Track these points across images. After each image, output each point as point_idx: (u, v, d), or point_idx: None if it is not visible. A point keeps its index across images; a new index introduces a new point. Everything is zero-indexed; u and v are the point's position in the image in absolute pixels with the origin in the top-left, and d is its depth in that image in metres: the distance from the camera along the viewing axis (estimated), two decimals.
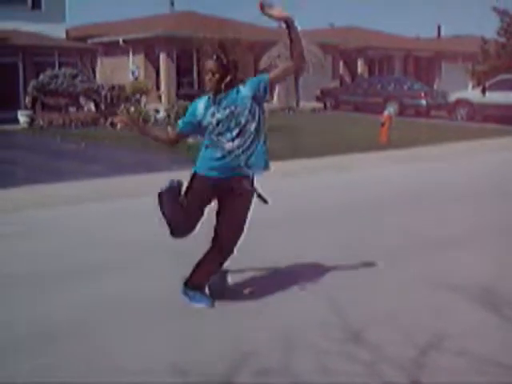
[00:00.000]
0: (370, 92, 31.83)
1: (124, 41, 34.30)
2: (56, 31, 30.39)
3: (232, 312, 5.57)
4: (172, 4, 42.83)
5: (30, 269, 6.73)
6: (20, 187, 10.97)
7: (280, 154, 14.58)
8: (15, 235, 8.17)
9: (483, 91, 26.68)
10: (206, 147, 5.46)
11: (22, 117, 22.78)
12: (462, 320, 5.39)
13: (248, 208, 5.50)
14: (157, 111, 24.52)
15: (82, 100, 25.38)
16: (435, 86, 42.28)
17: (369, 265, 6.92)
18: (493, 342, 4.93)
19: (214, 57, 5.24)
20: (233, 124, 5.28)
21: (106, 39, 34.70)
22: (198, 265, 5.61)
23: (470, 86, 36.63)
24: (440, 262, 7.09)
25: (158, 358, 4.61)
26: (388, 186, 12.05)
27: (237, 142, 5.30)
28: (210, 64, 5.25)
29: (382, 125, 18.29)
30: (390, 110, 27.45)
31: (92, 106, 25.49)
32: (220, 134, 5.33)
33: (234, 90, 5.31)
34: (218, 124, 5.31)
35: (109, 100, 25.28)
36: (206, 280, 5.68)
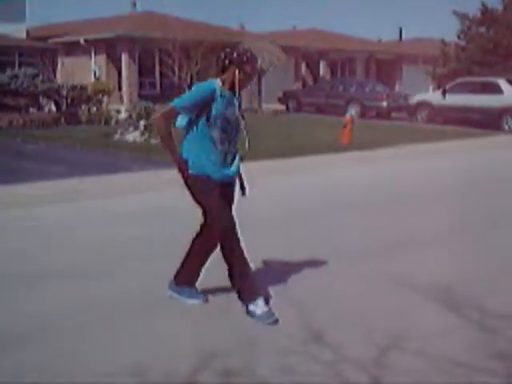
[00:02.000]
0: (332, 94, 32.00)
1: (85, 40, 34.06)
2: (16, 31, 30.11)
3: (197, 311, 5.56)
4: (134, 5, 42.61)
5: None
6: None
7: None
8: None
9: (443, 94, 26.99)
10: (201, 142, 5.26)
11: None
12: (422, 320, 5.45)
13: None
14: (118, 112, 24.35)
15: (42, 100, 25.11)
16: (396, 88, 42.66)
17: (330, 266, 6.95)
18: (453, 341, 4.98)
19: (255, 61, 5.28)
20: (236, 124, 5.37)
21: (67, 39, 34.42)
22: (187, 261, 5.63)
23: (431, 88, 37.04)
24: (402, 262, 7.15)
25: (121, 359, 4.58)
26: (350, 186, 12.13)
27: (234, 145, 5.42)
28: (253, 69, 5.30)
29: (344, 126, 18.41)
30: (352, 111, 27.65)
31: (53, 107, 25.24)
32: (228, 132, 5.31)
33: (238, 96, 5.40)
34: (232, 121, 5.31)
35: (70, 100, 25.06)
36: (198, 275, 5.69)
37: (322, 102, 32.28)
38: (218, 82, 5.26)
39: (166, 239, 7.67)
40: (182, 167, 5.27)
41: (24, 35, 31.83)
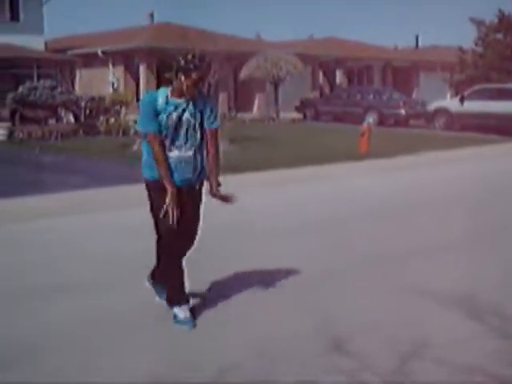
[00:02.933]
0: (350, 102, 31.94)
1: (103, 52, 34.26)
2: (35, 43, 30.33)
3: (214, 323, 5.57)
4: (151, 16, 42.81)
5: (8, 283, 6.68)
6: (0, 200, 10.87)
7: (258, 165, 14.63)
8: None
9: (461, 100, 26.88)
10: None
11: (1, 129, 22.63)
12: (443, 328, 5.42)
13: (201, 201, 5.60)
14: (136, 122, 24.46)
15: (61, 112, 25.27)
16: (414, 96, 42.54)
17: (348, 275, 6.94)
18: (474, 349, 4.95)
19: (205, 66, 5.24)
20: (193, 134, 5.30)
21: (85, 51, 34.64)
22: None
23: (449, 95, 36.91)
24: (421, 270, 7.12)
25: (134, 370, 4.59)
26: (367, 194, 12.08)
27: (190, 151, 5.32)
28: (202, 75, 5.22)
29: (362, 135, 18.36)
30: (370, 119, 27.61)
31: (71, 118, 25.40)
32: (175, 141, 5.27)
33: (202, 97, 5.38)
34: (177, 129, 5.25)
35: (88, 111, 25.21)
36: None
37: (340, 111, 32.23)
38: (166, 91, 5.29)
39: None
40: (174, 197, 5.24)
41: (42, 47, 32.05)
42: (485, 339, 5.18)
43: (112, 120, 24.44)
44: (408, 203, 11.29)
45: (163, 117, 5.20)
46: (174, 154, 5.27)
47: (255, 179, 13.28)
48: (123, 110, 27.08)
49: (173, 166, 5.26)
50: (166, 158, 5.24)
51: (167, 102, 5.22)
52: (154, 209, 5.42)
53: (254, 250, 7.78)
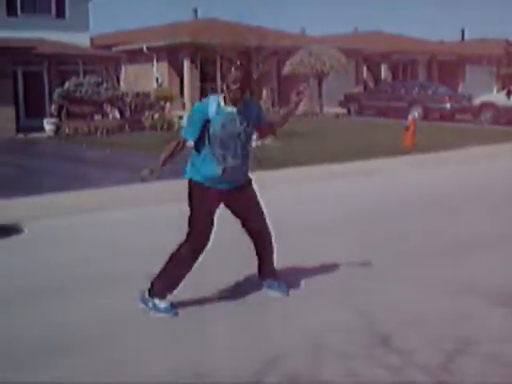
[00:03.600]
0: (394, 97, 31.74)
1: (148, 48, 34.46)
2: (80, 39, 30.60)
3: (258, 315, 5.59)
4: (195, 11, 42.98)
5: (53, 275, 6.78)
6: (49, 194, 11.00)
7: (303, 160, 14.61)
8: (40, 242, 8.25)
9: (508, 94, 26.51)
10: (204, 156, 5.46)
11: (48, 125, 22.97)
12: (489, 325, 5.37)
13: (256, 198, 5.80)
14: (181, 117, 24.60)
15: (106, 107, 25.54)
16: (459, 90, 42.06)
17: (395, 269, 6.91)
18: None
19: (239, 65, 5.36)
20: (240, 140, 5.45)
21: (129, 47, 34.87)
22: (270, 259, 6.00)
23: (495, 89, 36.42)
24: (466, 265, 7.05)
25: (156, 367, 4.63)
26: (414, 189, 12.00)
27: (239, 159, 5.49)
28: (238, 73, 5.31)
29: (407, 129, 18.22)
30: (415, 114, 27.38)
31: (117, 114, 25.66)
32: (226, 148, 5.41)
33: (249, 107, 5.50)
34: (228, 137, 5.38)
35: (133, 107, 25.43)
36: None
37: (384, 105, 32.04)
38: (219, 98, 5.42)
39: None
40: (153, 174, 5.44)
41: (88, 44, 32.33)
42: None
43: (157, 115, 24.62)
44: (455, 196, 11.17)
45: (214, 124, 5.33)
46: (224, 162, 5.41)
47: (300, 174, 13.26)
48: (168, 105, 27.27)
49: (222, 172, 5.42)
50: (173, 153, 5.46)
51: (218, 111, 5.34)
52: (195, 214, 5.52)
53: (293, 244, 7.78)
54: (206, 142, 5.40)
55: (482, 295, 6.02)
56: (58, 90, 24.72)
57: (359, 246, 7.81)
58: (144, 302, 5.66)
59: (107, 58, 30.71)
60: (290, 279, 6.43)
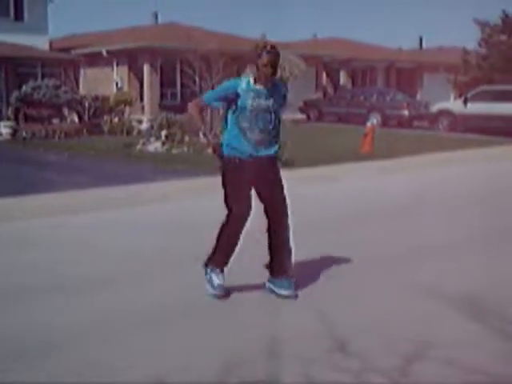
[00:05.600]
0: (353, 103, 31.99)
1: (107, 52, 34.27)
2: (39, 42, 30.33)
3: (222, 320, 5.59)
4: (155, 16, 42.83)
5: (20, 280, 6.69)
6: (5, 198, 10.88)
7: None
8: (3, 246, 8.15)
9: (465, 102, 26.87)
10: (233, 131, 5.93)
11: (5, 128, 22.67)
12: (447, 329, 5.43)
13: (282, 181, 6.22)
14: (140, 122, 24.52)
15: (65, 111, 25.32)
16: (417, 97, 42.51)
17: (356, 274, 6.95)
18: (478, 351, 4.96)
19: (270, 49, 5.79)
20: (268, 116, 5.91)
21: (89, 50, 34.65)
22: (277, 256, 6.16)
23: (452, 96, 36.90)
24: (426, 271, 7.13)
25: (148, 368, 4.61)
26: (372, 195, 12.10)
27: (266, 133, 5.94)
28: (272, 57, 5.77)
29: (365, 135, 18.37)
30: (373, 120, 27.60)
31: (75, 117, 25.45)
32: (254, 121, 5.86)
33: (276, 85, 6.01)
34: (256, 111, 5.84)
35: (92, 111, 25.25)
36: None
37: (343, 111, 32.27)
38: (249, 78, 5.89)
39: (188, 248, 7.68)
40: (216, 149, 6.05)
41: (47, 46, 32.06)
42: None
43: (116, 120, 24.49)
44: (411, 203, 11.29)
45: (245, 99, 5.82)
46: (254, 133, 5.87)
47: None
48: (127, 109, 27.13)
49: (250, 145, 5.89)
50: (201, 116, 6.24)
51: (249, 88, 5.84)
52: (229, 189, 5.95)
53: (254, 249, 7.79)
54: (235, 116, 5.87)
55: (442, 299, 6.09)
56: (15, 93, 24.45)
57: (318, 252, 7.83)
58: (205, 272, 6.13)
59: (66, 61, 30.48)
60: (250, 285, 6.46)
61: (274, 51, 5.79)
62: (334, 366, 4.65)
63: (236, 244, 6.03)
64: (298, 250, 7.54)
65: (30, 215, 9.86)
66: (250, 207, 5.94)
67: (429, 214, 10.38)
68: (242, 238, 6.03)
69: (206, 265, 6.12)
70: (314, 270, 7.05)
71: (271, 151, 6.02)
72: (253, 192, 6.07)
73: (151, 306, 5.91)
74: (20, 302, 6.00)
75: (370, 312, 5.84)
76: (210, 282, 6.06)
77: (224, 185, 5.99)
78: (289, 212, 6.18)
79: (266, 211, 6.11)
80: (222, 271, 6.09)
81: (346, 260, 7.47)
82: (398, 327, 5.46)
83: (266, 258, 6.24)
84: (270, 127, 5.95)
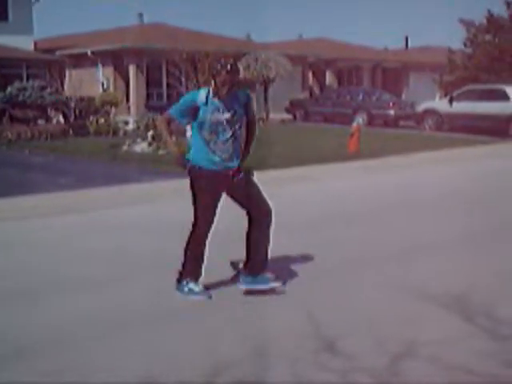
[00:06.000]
0: (339, 103, 32.03)
1: (92, 52, 34.19)
2: (24, 43, 30.23)
3: (206, 321, 5.57)
4: (141, 16, 42.73)
5: (9, 281, 6.66)
6: None
7: (249, 165, 14.61)
8: None
9: (450, 101, 26.95)
10: (197, 142, 6.05)
11: None
12: (434, 328, 5.44)
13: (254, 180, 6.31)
14: (126, 123, 24.45)
15: (50, 112, 25.20)
16: (403, 97, 42.63)
17: (343, 274, 6.96)
18: (465, 349, 4.97)
19: (229, 69, 5.88)
20: (229, 127, 5.98)
21: (74, 51, 34.56)
22: (257, 251, 6.22)
23: (438, 96, 36.99)
24: (413, 270, 7.14)
25: (133, 369, 4.59)
26: (358, 195, 12.11)
27: (229, 144, 6.01)
28: (231, 77, 5.89)
29: (351, 135, 18.39)
30: (359, 120, 27.65)
31: (61, 118, 25.33)
32: (215, 133, 5.96)
33: (235, 96, 6.05)
34: (216, 124, 5.93)
35: (78, 112, 25.16)
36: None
37: (329, 111, 32.30)
38: (209, 90, 5.99)
39: (173, 249, 7.65)
40: (179, 161, 6.16)
41: (32, 47, 31.95)
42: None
43: (101, 120, 24.39)
44: (398, 203, 11.31)
45: (204, 113, 5.92)
46: (217, 144, 5.98)
47: None
48: (113, 110, 27.06)
49: (213, 155, 5.99)
50: (168, 128, 6.16)
51: (207, 102, 5.93)
52: (200, 201, 6.03)
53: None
54: (198, 129, 5.99)
55: (428, 298, 6.11)
56: (0, 95, 24.32)
57: (305, 251, 7.83)
58: (180, 289, 6.17)
59: (51, 62, 30.39)
60: (234, 285, 6.46)
61: (233, 71, 5.92)
62: (322, 366, 4.65)
63: (203, 253, 6.15)
64: (284, 250, 7.58)
65: (15, 217, 9.82)
66: (211, 224, 6.09)
67: (415, 214, 10.40)
68: (207, 246, 6.17)
69: (179, 281, 6.20)
70: (300, 270, 7.05)
71: (237, 163, 6.13)
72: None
73: (137, 307, 5.90)
74: (8, 302, 5.97)
75: (357, 312, 5.84)
76: (192, 292, 6.13)
77: (193, 195, 6.09)
78: (272, 211, 6.21)
79: (248, 213, 6.20)
80: (199, 275, 6.21)
81: (332, 260, 7.48)
82: (385, 327, 5.46)
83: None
84: (232, 138, 6.03)
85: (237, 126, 6.06)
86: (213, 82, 5.93)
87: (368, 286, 6.58)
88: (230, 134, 5.99)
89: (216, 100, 5.93)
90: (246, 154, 6.34)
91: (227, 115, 5.96)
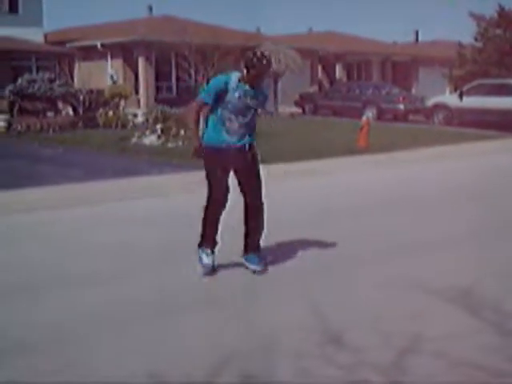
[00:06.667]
0: (349, 97, 31.95)
1: (102, 45, 34.18)
2: (34, 35, 30.28)
3: (211, 314, 5.58)
4: (150, 8, 42.70)
5: (11, 276, 6.68)
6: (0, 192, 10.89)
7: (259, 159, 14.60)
8: None
9: (460, 96, 26.84)
10: (215, 122, 6.45)
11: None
12: (440, 323, 5.44)
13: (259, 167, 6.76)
14: (135, 115, 24.45)
15: (60, 104, 25.23)
16: (413, 91, 42.52)
17: (348, 267, 6.96)
18: (471, 344, 4.96)
19: (265, 62, 6.32)
20: (249, 112, 6.44)
21: (84, 43, 34.57)
22: (255, 230, 6.72)
23: (448, 90, 36.87)
24: (418, 264, 7.13)
25: (136, 364, 4.60)
26: (367, 189, 12.09)
27: (243, 127, 6.46)
28: (258, 72, 6.31)
29: (361, 129, 18.35)
30: (369, 114, 27.57)
31: (70, 111, 25.34)
32: (236, 114, 6.37)
33: (260, 90, 6.50)
34: (240, 107, 6.36)
35: (87, 104, 25.17)
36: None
37: (339, 105, 32.23)
38: (238, 76, 6.39)
39: (182, 242, 7.66)
40: (197, 152, 6.48)
41: (41, 40, 32.00)
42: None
43: (111, 113, 24.39)
44: (406, 197, 11.28)
45: (233, 95, 6.32)
46: (234, 124, 6.40)
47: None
48: (122, 102, 27.06)
49: (226, 133, 6.42)
50: (198, 122, 6.51)
51: (237, 86, 6.34)
52: (210, 175, 6.52)
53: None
54: (220, 109, 6.36)
55: (434, 293, 6.10)
56: (10, 87, 24.37)
57: (313, 245, 7.83)
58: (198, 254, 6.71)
59: (61, 55, 30.44)
60: (244, 277, 6.47)
61: (268, 64, 6.37)
62: (327, 360, 4.65)
63: (217, 223, 6.64)
64: (287, 243, 7.60)
65: (23, 209, 9.84)
66: (226, 193, 6.56)
67: (422, 209, 10.37)
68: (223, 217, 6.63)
69: (199, 246, 6.70)
70: (303, 263, 7.07)
71: (245, 141, 6.52)
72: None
73: (142, 303, 5.90)
74: (12, 298, 5.99)
75: (362, 307, 5.85)
76: (200, 260, 6.65)
77: (205, 171, 6.56)
78: (263, 205, 6.69)
79: (244, 195, 6.65)
80: (213, 252, 6.68)
81: (336, 254, 7.48)
82: (391, 322, 5.46)
83: None
84: (249, 122, 6.50)
85: (254, 114, 6.55)
86: (245, 70, 6.31)
87: (372, 280, 6.57)
88: (248, 119, 6.46)
89: (246, 86, 6.36)
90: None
91: (252, 102, 6.42)
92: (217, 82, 6.47)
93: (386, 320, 5.48)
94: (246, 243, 6.78)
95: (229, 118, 6.39)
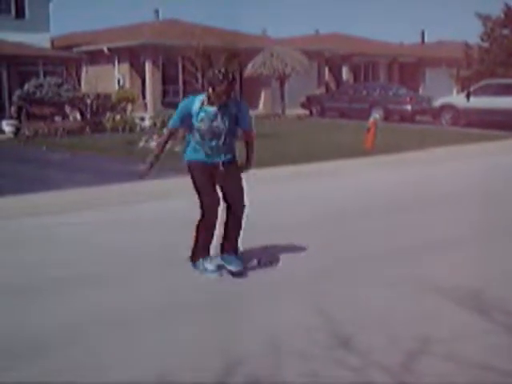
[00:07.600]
0: (356, 98, 31.94)
1: (109, 49, 34.27)
2: (40, 40, 30.36)
3: (217, 315, 5.58)
4: (156, 12, 42.77)
5: (20, 279, 6.70)
6: (6, 197, 10.90)
7: (266, 161, 14.60)
8: (5, 244, 8.15)
9: (468, 96, 26.79)
10: (192, 144, 6.49)
11: (7, 126, 22.69)
12: (449, 324, 5.42)
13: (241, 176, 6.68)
14: (142, 119, 24.50)
15: (67, 109, 25.29)
16: (420, 92, 42.45)
17: (357, 268, 6.95)
18: (480, 345, 4.95)
19: (227, 81, 6.15)
20: (221, 134, 6.33)
21: (90, 48, 34.65)
22: (229, 235, 6.68)
23: (455, 91, 36.82)
24: (427, 265, 7.12)
25: (145, 364, 4.60)
26: (375, 190, 12.08)
27: (219, 147, 6.41)
28: (226, 88, 6.16)
29: (368, 130, 18.31)
30: (376, 115, 27.55)
31: (77, 115, 25.41)
32: (206, 138, 6.33)
33: (230, 106, 6.34)
34: (208, 130, 6.28)
35: (94, 109, 25.23)
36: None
37: (346, 107, 32.21)
38: (201, 100, 6.35)
39: (188, 245, 7.66)
40: (143, 174, 6.86)
41: (48, 44, 32.09)
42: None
43: (118, 117, 24.46)
44: (414, 198, 11.26)
45: (196, 121, 6.29)
46: (208, 146, 6.36)
47: (263, 175, 13.26)
48: (129, 106, 27.11)
49: (208, 152, 6.41)
50: (164, 147, 6.66)
51: (200, 109, 6.27)
52: (198, 186, 6.52)
53: (255, 244, 7.78)
54: (193, 132, 6.35)
55: (443, 294, 6.08)
56: (17, 92, 24.45)
57: (321, 246, 7.83)
58: (195, 267, 6.70)
59: (68, 59, 30.50)
60: (250, 279, 6.46)
61: (233, 82, 6.25)
62: (336, 362, 4.64)
63: (213, 234, 6.64)
64: (293, 245, 7.60)
65: (31, 213, 9.86)
66: (218, 199, 6.52)
67: (430, 210, 10.35)
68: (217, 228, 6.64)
69: (194, 261, 6.73)
70: (310, 265, 7.06)
71: (224, 159, 6.47)
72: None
73: (152, 302, 5.91)
74: (14, 300, 6.01)
75: (370, 308, 5.84)
76: (206, 271, 6.63)
77: (193, 185, 6.57)
78: (245, 208, 6.66)
79: (225, 200, 6.60)
80: (209, 254, 6.73)
81: (344, 255, 7.48)
82: (399, 323, 5.45)
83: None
84: (225, 143, 6.40)
85: (228, 133, 6.38)
86: (210, 89, 6.19)
87: (380, 281, 6.56)
88: (222, 140, 6.36)
89: (210, 108, 6.28)
90: (248, 167, 6.75)
91: (222, 123, 6.30)
92: (181, 106, 6.48)
93: (394, 321, 5.46)
94: (224, 243, 6.75)
95: (200, 143, 6.38)
